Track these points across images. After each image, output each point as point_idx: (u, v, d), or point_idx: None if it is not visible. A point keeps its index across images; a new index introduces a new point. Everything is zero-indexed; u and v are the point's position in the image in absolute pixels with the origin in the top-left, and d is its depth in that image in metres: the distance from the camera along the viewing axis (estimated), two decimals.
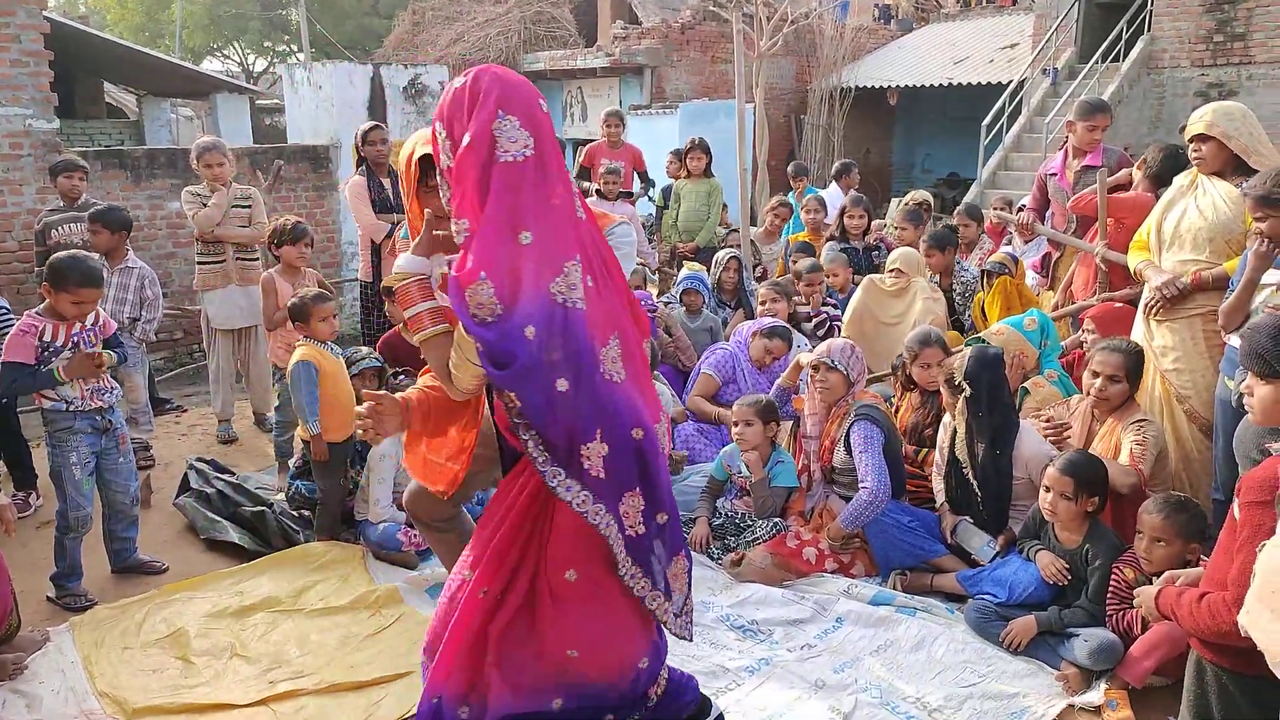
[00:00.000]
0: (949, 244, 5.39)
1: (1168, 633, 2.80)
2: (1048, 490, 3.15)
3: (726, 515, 3.94)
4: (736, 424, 3.94)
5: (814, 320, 5.25)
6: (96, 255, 3.89)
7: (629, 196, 6.86)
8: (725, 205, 7.30)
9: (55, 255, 3.51)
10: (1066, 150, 5.09)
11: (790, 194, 7.67)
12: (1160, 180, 4.48)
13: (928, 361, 3.99)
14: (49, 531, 3.67)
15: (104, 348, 3.71)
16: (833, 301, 5.38)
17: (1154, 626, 2.86)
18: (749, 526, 3.84)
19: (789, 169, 8.23)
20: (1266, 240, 3.16)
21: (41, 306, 3.50)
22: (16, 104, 6.39)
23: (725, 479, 4.07)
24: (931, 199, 6.99)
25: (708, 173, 7.08)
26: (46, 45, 6.52)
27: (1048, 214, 5.22)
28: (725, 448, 4.14)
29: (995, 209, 6.52)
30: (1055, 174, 5.09)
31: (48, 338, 3.43)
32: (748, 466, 3.93)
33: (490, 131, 2.01)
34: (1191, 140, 3.75)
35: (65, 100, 9.42)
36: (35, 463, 4.42)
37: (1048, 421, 3.57)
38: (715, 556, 3.79)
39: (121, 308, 4.88)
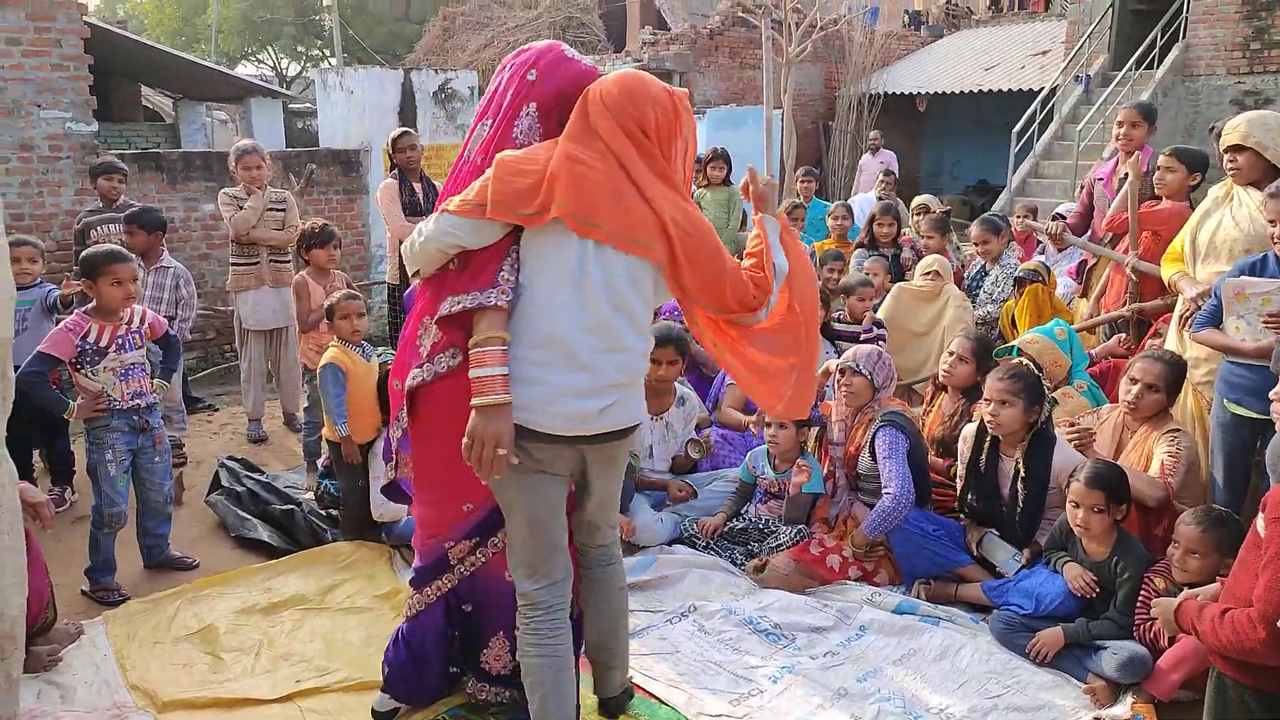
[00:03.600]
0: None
1: (1196, 646, 2.76)
2: (1076, 506, 3.11)
3: (750, 521, 3.94)
4: (769, 426, 3.94)
5: (861, 337, 5.09)
6: (133, 256, 3.98)
7: None
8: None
9: (83, 253, 3.64)
10: (1118, 156, 5.04)
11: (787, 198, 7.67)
12: (1191, 169, 4.43)
13: (961, 355, 4.03)
14: (84, 526, 3.75)
15: (159, 346, 3.82)
16: (877, 319, 5.25)
17: (1181, 640, 2.82)
18: (773, 532, 3.83)
19: (798, 173, 8.21)
20: None
21: (89, 307, 3.58)
22: (56, 107, 6.51)
23: (753, 482, 4.07)
24: (937, 203, 6.99)
25: (727, 181, 7.10)
26: (86, 49, 6.64)
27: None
28: (751, 451, 4.14)
29: (1019, 218, 6.50)
30: (1103, 179, 5.04)
31: (91, 338, 3.52)
32: (773, 469, 3.94)
33: None
34: (1226, 151, 3.70)
35: (103, 103, 9.61)
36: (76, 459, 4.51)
37: (1072, 427, 3.53)
38: (738, 562, 3.79)
39: (157, 307, 4.96)
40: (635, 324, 2.33)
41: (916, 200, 7.03)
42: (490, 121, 2.42)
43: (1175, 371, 3.46)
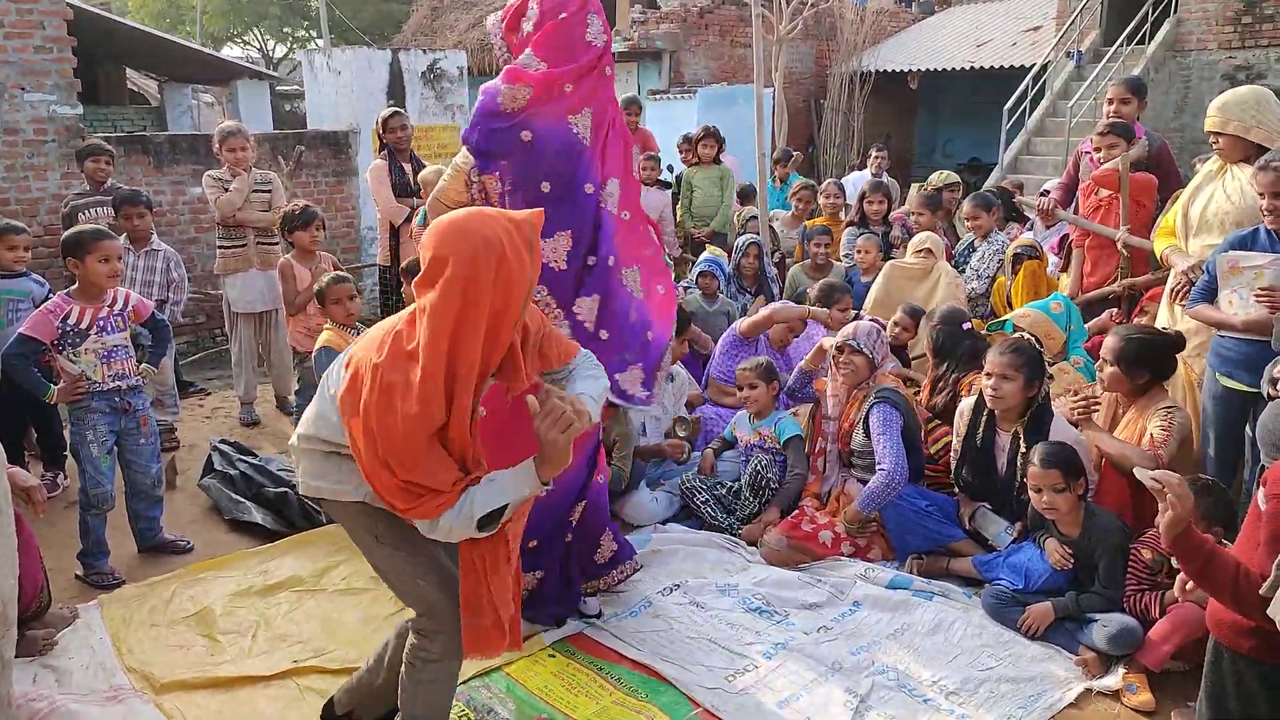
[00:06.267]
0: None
1: (1185, 617, 2.79)
2: (1039, 491, 3.13)
3: (741, 481, 4.01)
4: (742, 388, 4.07)
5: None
6: (116, 236, 3.91)
7: (663, 185, 6.89)
8: (751, 188, 7.31)
9: (67, 233, 3.63)
10: None
11: (770, 182, 7.65)
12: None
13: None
14: (77, 511, 3.73)
15: (146, 330, 3.79)
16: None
17: (1172, 611, 2.85)
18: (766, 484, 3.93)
19: (773, 155, 8.20)
20: None
21: (72, 289, 3.56)
22: (41, 90, 6.44)
23: (734, 440, 4.20)
24: (959, 179, 6.89)
25: (717, 160, 7.09)
26: (69, 32, 6.56)
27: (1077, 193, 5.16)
28: (735, 415, 4.28)
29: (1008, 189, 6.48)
30: (1089, 153, 5.04)
31: (72, 320, 3.50)
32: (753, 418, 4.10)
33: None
34: (1209, 132, 3.71)
35: (88, 86, 9.51)
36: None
37: (1075, 395, 3.51)
38: (736, 529, 3.86)
39: (149, 290, 4.94)
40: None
41: (937, 177, 6.84)
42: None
43: (1134, 345, 3.36)
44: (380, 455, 1.96)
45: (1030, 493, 3.19)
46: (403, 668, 2.35)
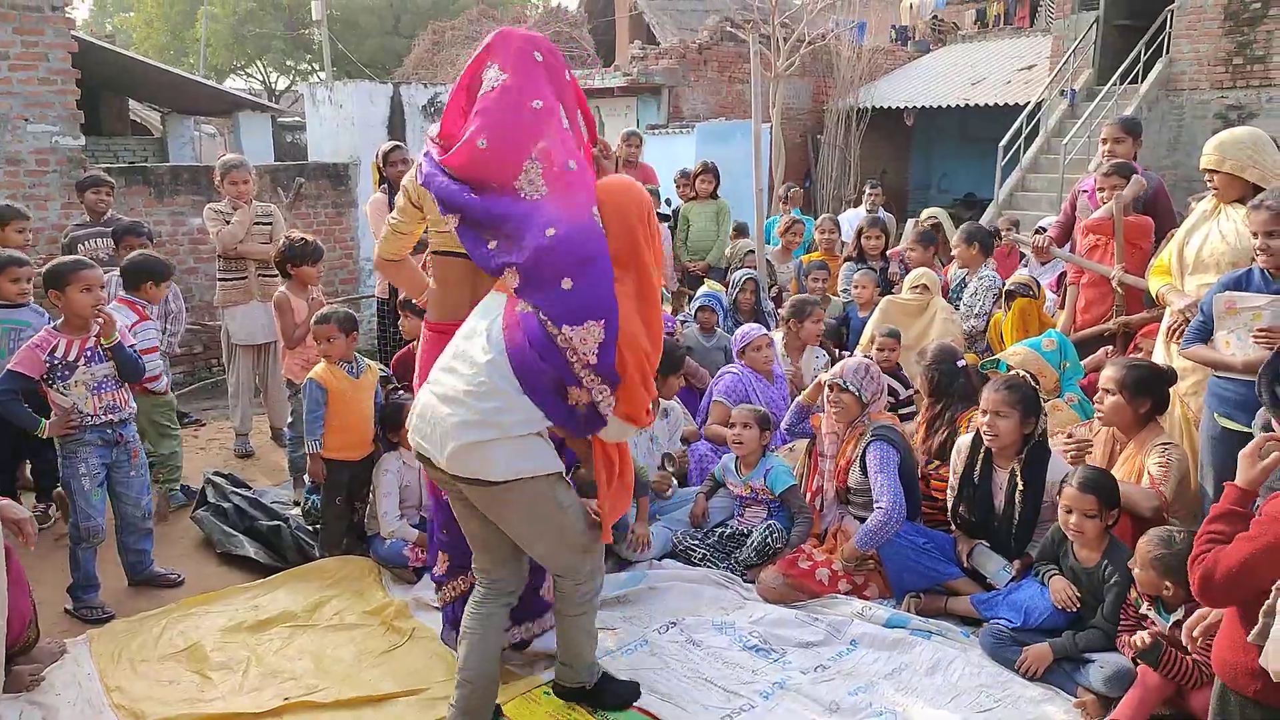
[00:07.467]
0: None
1: (1144, 696, 2.78)
2: (1069, 512, 3.12)
3: (734, 527, 3.96)
4: (734, 426, 4.00)
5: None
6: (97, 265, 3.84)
7: (661, 218, 6.94)
8: (744, 225, 7.37)
9: (45, 267, 3.59)
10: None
11: (777, 217, 7.76)
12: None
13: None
14: (67, 543, 3.70)
15: (116, 359, 3.75)
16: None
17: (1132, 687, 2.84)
18: (767, 540, 3.84)
19: (780, 190, 8.33)
20: None
21: (58, 322, 3.55)
22: (44, 121, 6.48)
23: (722, 481, 4.14)
24: (947, 217, 6.96)
25: (714, 194, 7.15)
26: (74, 64, 6.62)
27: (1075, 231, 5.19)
28: (723, 458, 4.21)
29: (1004, 230, 6.53)
30: (1087, 191, 5.07)
31: (59, 353, 3.49)
32: (738, 473, 4.02)
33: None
34: (1205, 171, 3.74)
35: (91, 117, 9.57)
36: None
37: (1069, 437, 3.52)
38: (737, 571, 3.81)
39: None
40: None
41: (926, 214, 6.97)
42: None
43: (1136, 373, 3.38)
44: (646, 377, 2.53)
45: (1060, 513, 3.16)
46: (575, 619, 2.78)
